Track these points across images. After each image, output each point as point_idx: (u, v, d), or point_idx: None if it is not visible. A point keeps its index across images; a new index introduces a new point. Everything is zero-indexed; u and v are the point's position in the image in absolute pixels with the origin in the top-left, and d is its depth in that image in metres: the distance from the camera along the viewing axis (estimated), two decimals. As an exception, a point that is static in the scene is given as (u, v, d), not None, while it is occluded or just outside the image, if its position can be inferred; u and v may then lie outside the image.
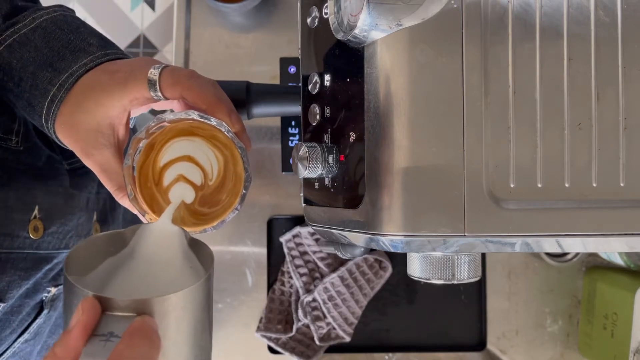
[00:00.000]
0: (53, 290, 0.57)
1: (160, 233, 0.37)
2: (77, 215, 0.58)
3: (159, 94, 0.41)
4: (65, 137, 0.43)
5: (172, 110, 0.44)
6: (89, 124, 0.42)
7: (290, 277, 0.71)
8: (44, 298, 0.55)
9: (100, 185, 0.63)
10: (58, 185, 0.55)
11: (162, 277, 0.35)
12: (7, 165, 0.50)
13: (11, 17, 0.46)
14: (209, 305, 0.33)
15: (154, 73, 0.41)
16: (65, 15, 0.47)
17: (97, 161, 0.43)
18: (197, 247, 0.38)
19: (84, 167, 0.59)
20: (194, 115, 0.40)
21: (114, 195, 0.44)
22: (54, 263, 0.56)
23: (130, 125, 0.46)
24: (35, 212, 0.51)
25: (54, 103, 0.42)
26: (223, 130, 0.40)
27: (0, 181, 0.48)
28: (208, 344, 0.33)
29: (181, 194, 0.42)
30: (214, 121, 0.40)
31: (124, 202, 0.44)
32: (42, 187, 0.53)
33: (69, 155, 0.58)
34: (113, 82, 0.41)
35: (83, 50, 0.44)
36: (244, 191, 0.42)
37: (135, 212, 0.42)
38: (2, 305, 0.48)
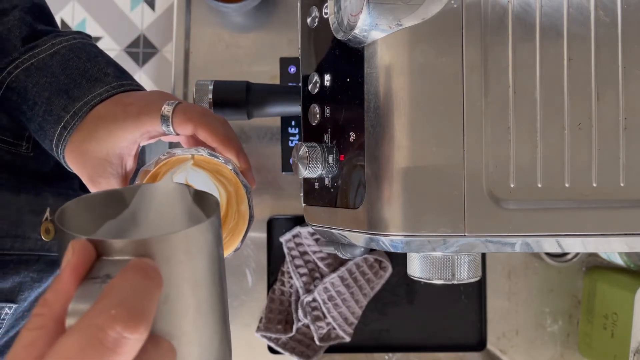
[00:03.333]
0: None
1: (163, 193, 0.34)
2: None
3: (171, 129, 0.42)
4: (73, 164, 0.44)
5: (182, 146, 0.45)
6: (98, 152, 0.42)
7: (290, 277, 0.71)
8: None
9: None
10: (68, 188, 0.56)
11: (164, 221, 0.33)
12: (17, 170, 0.51)
13: (30, 40, 0.46)
14: (219, 258, 0.30)
15: (167, 109, 0.42)
16: (85, 43, 0.48)
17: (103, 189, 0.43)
18: (201, 200, 0.34)
19: None
20: (204, 152, 0.40)
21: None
22: None
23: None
24: (47, 214, 0.51)
25: (66, 130, 0.43)
26: (230, 168, 0.40)
27: (10, 184, 0.48)
28: (221, 314, 0.30)
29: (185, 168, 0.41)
30: (222, 159, 0.40)
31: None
32: (52, 190, 0.53)
33: None
34: (126, 115, 0.42)
35: (99, 79, 0.44)
36: (245, 232, 0.41)
37: None
38: (14, 306, 0.48)
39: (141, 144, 0.45)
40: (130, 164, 0.45)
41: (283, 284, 0.71)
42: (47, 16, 0.51)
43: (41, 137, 0.45)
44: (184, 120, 0.42)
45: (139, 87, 0.47)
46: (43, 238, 0.50)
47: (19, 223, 0.48)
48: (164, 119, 0.42)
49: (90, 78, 0.45)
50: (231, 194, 0.42)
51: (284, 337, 0.70)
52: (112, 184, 0.44)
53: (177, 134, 0.43)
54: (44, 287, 0.52)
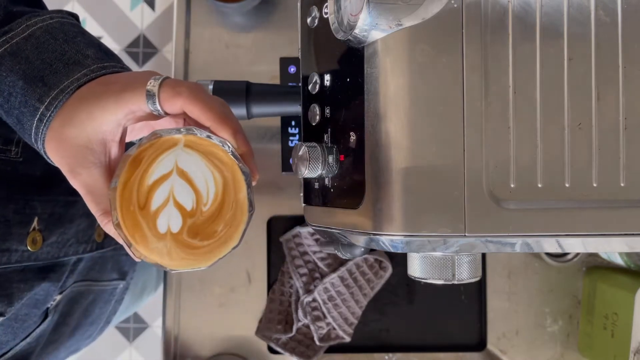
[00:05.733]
0: (58, 297, 0.56)
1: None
2: (76, 223, 0.57)
3: (158, 107, 0.37)
4: (53, 154, 0.39)
5: None
6: (78, 139, 0.38)
7: (290, 277, 0.71)
8: (49, 306, 0.55)
9: None
10: (58, 194, 0.54)
11: None
12: (6, 178, 0.48)
13: (4, 24, 0.42)
14: None
15: (153, 84, 0.37)
16: (63, 22, 0.43)
17: (83, 181, 0.38)
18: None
19: None
20: (197, 132, 0.36)
21: (99, 222, 0.39)
22: (61, 272, 0.55)
23: None
24: (35, 224, 0.50)
25: (42, 123, 0.39)
26: (227, 150, 0.36)
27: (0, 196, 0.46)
28: None
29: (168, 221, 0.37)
30: (216, 139, 0.36)
31: (109, 229, 0.39)
32: (42, 197, 0.52)
33: None
34: (107, 94, 0.37)
35: (78, 62, 0.40)
36: (245, 225, 0.37)
37: (120, 241, 0.37)
38: (1, 319, 0.47)
39: (127, 126, 0.39)
40: (114, 151, 0.39)
41: (283, 284, 0.71)
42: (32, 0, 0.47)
43: (20, 131, 0.41)
44: (173, 96, 0.37)
45: (123, 69, 0.42)
46: (29, 249, 0.49)
47: (6, 237, 0.47)
48: (150, 95, 0.37)
49: (68, 61, 0.39)
50: (228, 180, 0.37)
51: (284, 337, 0.70)
52: (93, 175, 0.38)
53: (167, 114, 0.38)
54: (39, 294, 0.52)
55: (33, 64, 0.40)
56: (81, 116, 0.37)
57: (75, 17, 0.46)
